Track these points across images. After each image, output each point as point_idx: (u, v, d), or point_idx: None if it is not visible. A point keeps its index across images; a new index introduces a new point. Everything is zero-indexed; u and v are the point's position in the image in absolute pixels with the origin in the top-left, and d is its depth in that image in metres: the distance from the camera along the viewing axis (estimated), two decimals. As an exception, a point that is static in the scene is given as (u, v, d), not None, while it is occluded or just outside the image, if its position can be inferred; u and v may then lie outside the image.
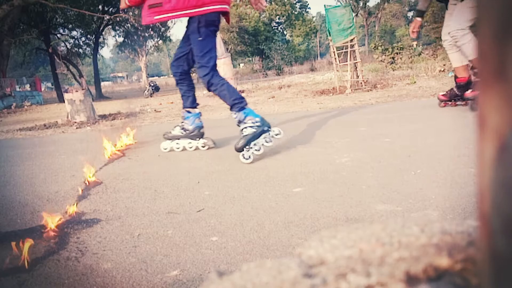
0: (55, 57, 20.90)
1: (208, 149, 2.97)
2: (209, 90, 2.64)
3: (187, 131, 2.98)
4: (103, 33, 27.02)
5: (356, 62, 7.84)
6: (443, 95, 3.94)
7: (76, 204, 1.76)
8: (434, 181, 1.70)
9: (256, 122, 2.57)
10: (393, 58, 13.73)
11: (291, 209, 1.53)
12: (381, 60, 14.00)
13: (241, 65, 38.42)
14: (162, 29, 27.87)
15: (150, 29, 26.78)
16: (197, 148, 3.00)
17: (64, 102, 6.82)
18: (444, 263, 0.32)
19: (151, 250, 1.28)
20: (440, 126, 3.06)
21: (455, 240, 0.34)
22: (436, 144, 2.41)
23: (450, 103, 3.90)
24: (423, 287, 0.30)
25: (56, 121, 6.65)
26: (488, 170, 0.24)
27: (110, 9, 22.89)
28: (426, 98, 5.41)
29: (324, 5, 7.79)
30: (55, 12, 19.45)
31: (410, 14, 48.74)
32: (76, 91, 6.37)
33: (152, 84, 15.95)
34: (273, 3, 34.39)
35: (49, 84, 38.65)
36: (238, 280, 0.34)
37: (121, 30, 26.77)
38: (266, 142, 2.61)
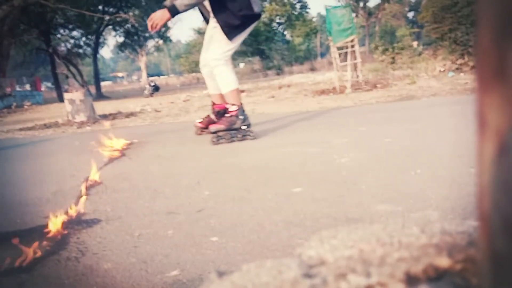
0: (55, 57, 20.90)
1: None
2: None
3: None
4: (103, 33, 27.02)
5: (356, 63, 7.84)
6: (200, 122, 3.58)
7: (76, 204, 1.76)
8: (434, 181, 1.69)
9: None
10: (393, 58, 13.73)
11: (291, 209, 1.53)
12: (381, 60, 14.00)
13: (241, 65, 38.37)
14: (163, 29, 27.87)
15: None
16: None
17: (64, 102, 6.83)
18: (444, 263, 0.32)
19: (151, 250, 1.28)
20: (440, 126, 3.06)
21: (455, 240, 0.34)
22: (436, 144, 2.41)
23: (207, 130, 3.47)
24: (423, 287, 0.30)
25: (57, 121, 6.65)
26: (488, 170, 0.24)
27: (110, 9, 22.88)
28: (426, 98, 5.41)
29: (325, 6, 7.82)
30: (55, 13, 19.47)
31: (411, 14, 48.77)
32: (76, 90, 6.38)
33: (152, 84, 15.87)
34: (273, 3, 34.32)
35: (49, 84, 38.65)
36: (238, 280, 0.34)
37: (121, 30, 26.78)
38: None
